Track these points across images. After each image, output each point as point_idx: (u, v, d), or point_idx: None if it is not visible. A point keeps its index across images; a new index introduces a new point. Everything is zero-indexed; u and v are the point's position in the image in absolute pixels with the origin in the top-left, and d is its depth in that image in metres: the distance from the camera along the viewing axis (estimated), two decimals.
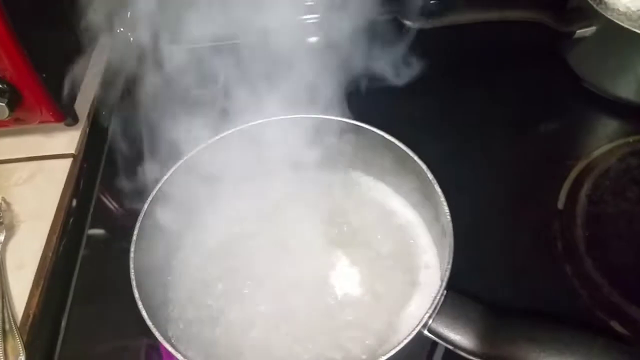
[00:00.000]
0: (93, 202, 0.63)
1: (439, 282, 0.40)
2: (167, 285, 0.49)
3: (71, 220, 0.61)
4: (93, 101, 0.73)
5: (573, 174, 0.60)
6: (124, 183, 0.65)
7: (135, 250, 0.43)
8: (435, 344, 0.45)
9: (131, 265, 0.42)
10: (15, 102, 0.60)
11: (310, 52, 0.50)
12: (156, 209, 0.46)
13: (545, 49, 0.71)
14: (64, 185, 0.64)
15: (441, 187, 0.45)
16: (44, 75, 0.61)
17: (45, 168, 0.66)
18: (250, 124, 0.50)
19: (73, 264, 0.58)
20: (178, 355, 0.38)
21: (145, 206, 0.46)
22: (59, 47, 0.67)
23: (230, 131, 0.50)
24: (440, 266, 0.47)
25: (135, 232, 0.45)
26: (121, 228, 0.62)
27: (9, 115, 0.60)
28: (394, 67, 0.51)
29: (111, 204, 0.64)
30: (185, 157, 0.49)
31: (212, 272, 0.49)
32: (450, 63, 0.71)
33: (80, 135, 0.69)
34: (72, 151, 0.67)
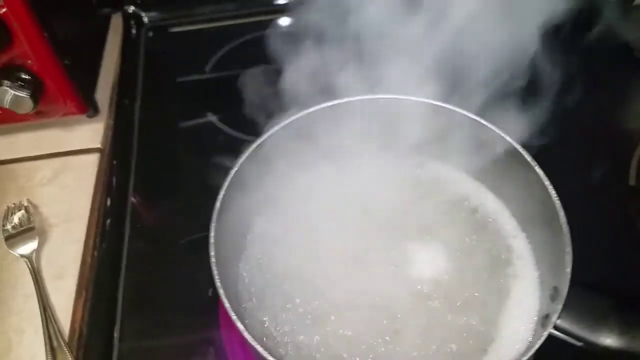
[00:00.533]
0: (129, 200, 0.58)
1: (551, 274, 0.37)
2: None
3: (108, 221, 0.56)
4: (113, 89, 0.67)
5: None
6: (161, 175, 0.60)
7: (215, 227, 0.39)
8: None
9: (211, 250, 0.38)
10: (38, 93, 0.55)
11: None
12: (234, 188, 0.42)
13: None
14: (95, 183, 0.58)
15: None
16: (66, 62, 0.56)
17: (71, 165, 0.60)
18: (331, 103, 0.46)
19: (117, 269, 0.53)
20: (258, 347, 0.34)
21: (223, 190, 0.42)
22: (78, 30, 0.62)
23: (319, 107, 0.45)
24: (534, 254, 0.44)
25: (216, 211, 0.40)
26: (165, 224, 0.57)
27: (34, 108, 0.54)
28: None
29: (150, 201, 0.59)
30: (269, 133, 0.44)
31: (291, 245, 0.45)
32: None
33: (104, 127, 0.63)
34: (98, 145, 0.61)
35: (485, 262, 0.44)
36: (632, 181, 0.56)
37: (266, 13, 0.73)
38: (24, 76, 0.53)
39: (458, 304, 0.42)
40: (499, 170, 0.45)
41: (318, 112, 0.46)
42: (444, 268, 0.44)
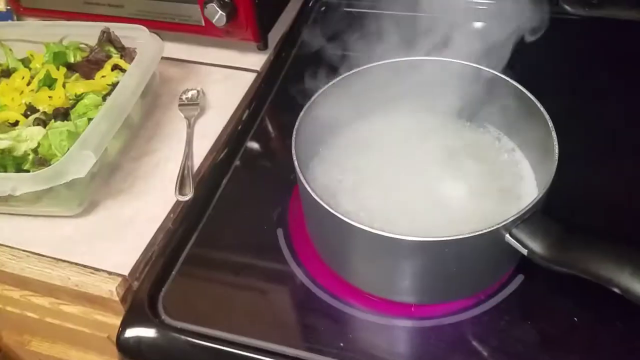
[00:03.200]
0: (264, 109, 0.78)
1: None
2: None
3: (245, 114, 0.77)
4: (282, 35, 0.88)
5: None
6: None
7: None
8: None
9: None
10: (231, 16, 0.77)
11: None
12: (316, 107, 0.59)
13: None
14: (247, 90, 0.80)
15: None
16: (257, 1, 0.78)
17: (236, 75, 0.82)
18: (398, 59, 0.61)
19: (239, 146, 0.73)
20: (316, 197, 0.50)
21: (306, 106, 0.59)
22: None
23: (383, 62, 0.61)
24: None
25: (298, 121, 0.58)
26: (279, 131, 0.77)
27: (225, 24, 0.77)
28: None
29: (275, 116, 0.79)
30: (343, 76, 0.61)
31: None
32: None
33: (266, 59, 0.85)
34: (258, 69, 0.83)
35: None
36: None
37: None
38: (226, 0, 0.76)
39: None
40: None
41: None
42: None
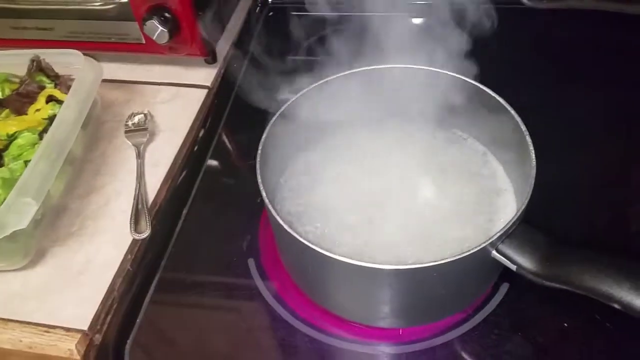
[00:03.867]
0: (220, 128, 0.74)
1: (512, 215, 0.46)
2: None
3: (200, 136, 0.72)
4: (231, 46, 0.83)
5: None
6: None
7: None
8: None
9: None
10: (174, 32, 0.72)
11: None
12: (280, 124, 0.55)
13: None
14: (199, 109, 0.74)
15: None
16: (201, 13, 0.73)
17: (184, 94, 0.77)
18: (369, 67, 0.58)
19: (197, 172, 0.69)
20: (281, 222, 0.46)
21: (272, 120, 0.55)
22: None
23: (352, 71, 0.57)
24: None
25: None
26: (241, 149, 0.72)
27: (168, 41, 0.71)
28: None
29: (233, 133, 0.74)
30: (307, 89, 0.57)
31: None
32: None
33: (216, 73, 0.80)
34: (208, 84, 0.78)
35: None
36: None
37: None
38: (167, 15, 0.70)
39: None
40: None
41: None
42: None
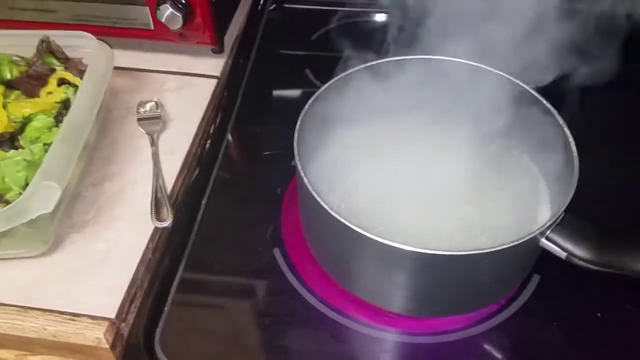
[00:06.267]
0: (232, 118, 0.72)
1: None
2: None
3: (212, 129, 0.70)
4: (237, 37, 0.82)
5: None
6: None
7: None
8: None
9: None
10: (187, 18, 0.70)
11: None
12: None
13: None
14: (210, 98, 0.73)
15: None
16: (214, 1, 0.71)
17: (193, 83, 0.75)
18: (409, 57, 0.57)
19: (214, 161, 0.67)
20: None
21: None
22: None
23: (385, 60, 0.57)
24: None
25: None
26: (254, 139, 0.71)
27: (181, 27, 0.70)
28: None
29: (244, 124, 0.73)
30: (343, 74, 0.56)
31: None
32: None
33: (224, 63, 0.78)
34: (217, 74, 0.76)
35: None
36: None
37: None
38: (182, 0, 0.69)
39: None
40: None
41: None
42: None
